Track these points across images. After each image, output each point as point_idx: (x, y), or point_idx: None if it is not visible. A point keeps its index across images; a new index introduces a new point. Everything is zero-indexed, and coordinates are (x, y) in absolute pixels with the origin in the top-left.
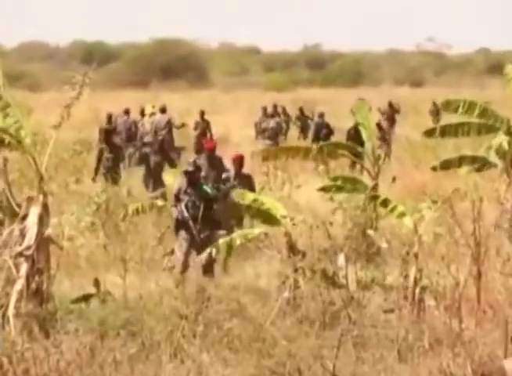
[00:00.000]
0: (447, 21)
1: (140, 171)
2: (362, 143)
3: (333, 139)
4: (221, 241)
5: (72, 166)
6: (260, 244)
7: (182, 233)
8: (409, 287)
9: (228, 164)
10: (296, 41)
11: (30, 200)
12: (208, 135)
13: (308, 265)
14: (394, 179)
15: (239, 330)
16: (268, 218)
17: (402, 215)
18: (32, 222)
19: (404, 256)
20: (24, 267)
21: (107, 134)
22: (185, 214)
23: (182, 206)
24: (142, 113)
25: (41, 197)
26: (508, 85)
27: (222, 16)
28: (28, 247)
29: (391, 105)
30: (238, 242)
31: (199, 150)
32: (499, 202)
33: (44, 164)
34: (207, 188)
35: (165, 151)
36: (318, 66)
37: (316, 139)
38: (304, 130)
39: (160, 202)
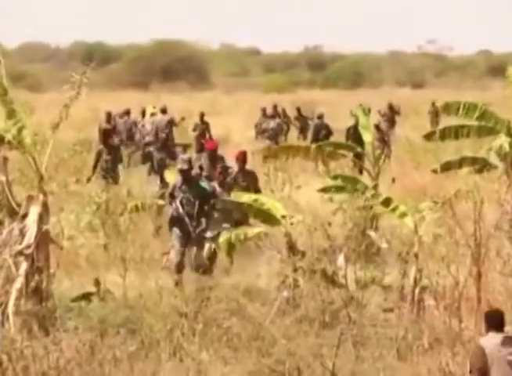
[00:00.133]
0: (448, 23)
1: (141, 170)
2: (361, 143)
3: (333, 140)
4: (221, 240)
5: (72, 166)
6: (260, 244)
7: (176, 230)
8: (409, 287)
9: (230, 163)
10: (296, 43)
11: (30, 199)
12: (207, 136)
13: (307, 265)
14: (393, 180)
15: (239, 329)
16: (269, 218)
17: (403, 215)
18: (32, 221)
19: (404, 256)
20: (24, 266)
21: (105, 134)
22: (181, 210)
23: (177, 203)
24: (143, 114)
25: (41, 197)
26: (510, 87)
27: (223, 18)
28: (28, 246)
29: (391, 107)
30: (239, 239)
31: (200, 150)
32: (500, 203)
33: (44, 163)
34: (205, 184)
35: (168, 147)
36: (318, 67)
37: (315, 140)
38: (303, 130)
39: (160, 201)
